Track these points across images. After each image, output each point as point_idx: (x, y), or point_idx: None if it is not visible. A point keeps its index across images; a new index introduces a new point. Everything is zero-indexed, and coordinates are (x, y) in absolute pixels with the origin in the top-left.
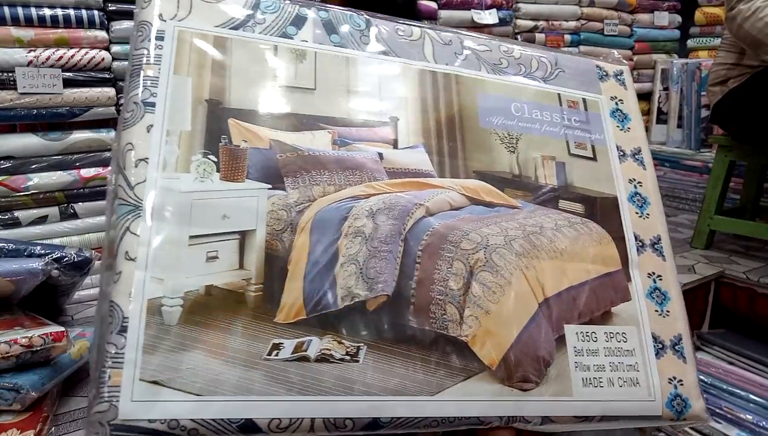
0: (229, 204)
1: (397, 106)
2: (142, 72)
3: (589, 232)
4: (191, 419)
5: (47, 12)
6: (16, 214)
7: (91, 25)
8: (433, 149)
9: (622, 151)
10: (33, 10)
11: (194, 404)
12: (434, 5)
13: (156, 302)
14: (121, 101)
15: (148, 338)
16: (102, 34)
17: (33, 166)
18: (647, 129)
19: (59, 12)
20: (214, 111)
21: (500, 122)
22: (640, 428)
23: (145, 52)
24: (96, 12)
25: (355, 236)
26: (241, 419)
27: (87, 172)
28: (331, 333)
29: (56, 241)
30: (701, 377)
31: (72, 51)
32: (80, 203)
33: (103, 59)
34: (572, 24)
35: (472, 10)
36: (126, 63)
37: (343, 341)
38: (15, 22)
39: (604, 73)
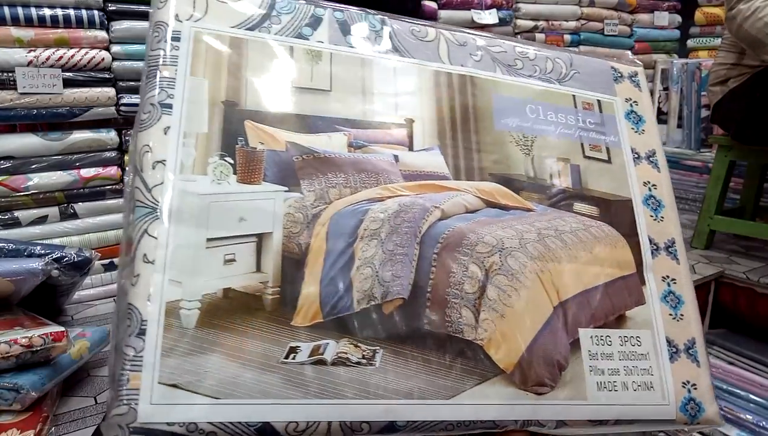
0: (246, 206)
1: (413, 107)
2: (158, 73)
3: (604, 235)
4: (209, 422)
5: (47, 12)
6: (16, 214)
7: (91, 25)
8: (448, 151)
9: (636, 153)
10: (33, 10)
11: (212, 407)
12: (434, 5)
13: (174, 304)
14: (121, 101)
15: (167, 341)
16: (102, 34)
17: (33, 166)
18: None
19: (59, 12)
20: (230, 113)
21: (515, 124)
22: None
23: (162, 52)
24: (96, 12)
25: (370, 239)
26: (259, 422)
27: (87, 172)
28: (347, 336)
29: (56, 241)
30: None
31: (72, 51)
32: (80, 203)
33: (103, 59)
34: (572, 24)
35: (472, 10)
36: (126, 63)
37: (359, 344)
38: (15, 22)
39: (619, 75)
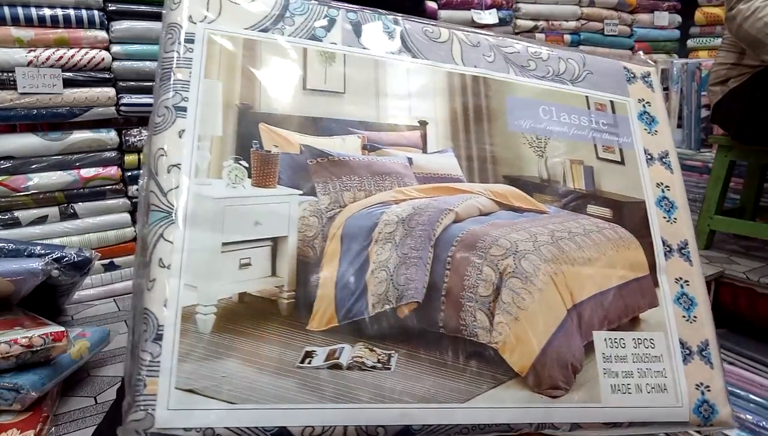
0: (261, 210)
1: (426, 109)
2: (172, 75)
3: (618, 237)
4: (226, 427)
5: (47, 12)
6: (16, 214)
7: (91, 25)
8: (462, 153)
9: (649, 154)
10: (33, 10)
11: (228, 412)
12: (434, 5)
13: (190, 309)
14: (121, 101)
15: (183, 346)
16: (102, 34)
17: (33, 166)
18: None
19: (59, 12)
20: (245, 115)
21: (529, 126)
22: None
23: (175, 55)
24: (96, 12)
25: (385, 243)
26: (275, 427)
27: (87, 172)
28: (362, 340)
29: (56, 241)
30: None
31: (72, 51)
32: (80, 203)
33: (103, 59)
34: (572, 24)
35: (472, 10)
36: (126, 63)
37: (374, 348)
38: (15, 22)
39: (632, 75)
